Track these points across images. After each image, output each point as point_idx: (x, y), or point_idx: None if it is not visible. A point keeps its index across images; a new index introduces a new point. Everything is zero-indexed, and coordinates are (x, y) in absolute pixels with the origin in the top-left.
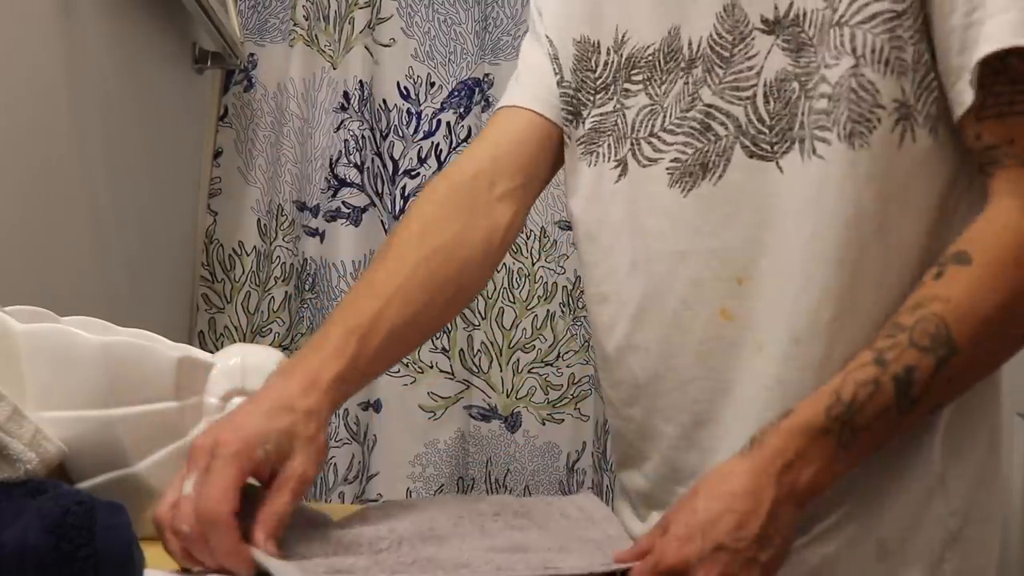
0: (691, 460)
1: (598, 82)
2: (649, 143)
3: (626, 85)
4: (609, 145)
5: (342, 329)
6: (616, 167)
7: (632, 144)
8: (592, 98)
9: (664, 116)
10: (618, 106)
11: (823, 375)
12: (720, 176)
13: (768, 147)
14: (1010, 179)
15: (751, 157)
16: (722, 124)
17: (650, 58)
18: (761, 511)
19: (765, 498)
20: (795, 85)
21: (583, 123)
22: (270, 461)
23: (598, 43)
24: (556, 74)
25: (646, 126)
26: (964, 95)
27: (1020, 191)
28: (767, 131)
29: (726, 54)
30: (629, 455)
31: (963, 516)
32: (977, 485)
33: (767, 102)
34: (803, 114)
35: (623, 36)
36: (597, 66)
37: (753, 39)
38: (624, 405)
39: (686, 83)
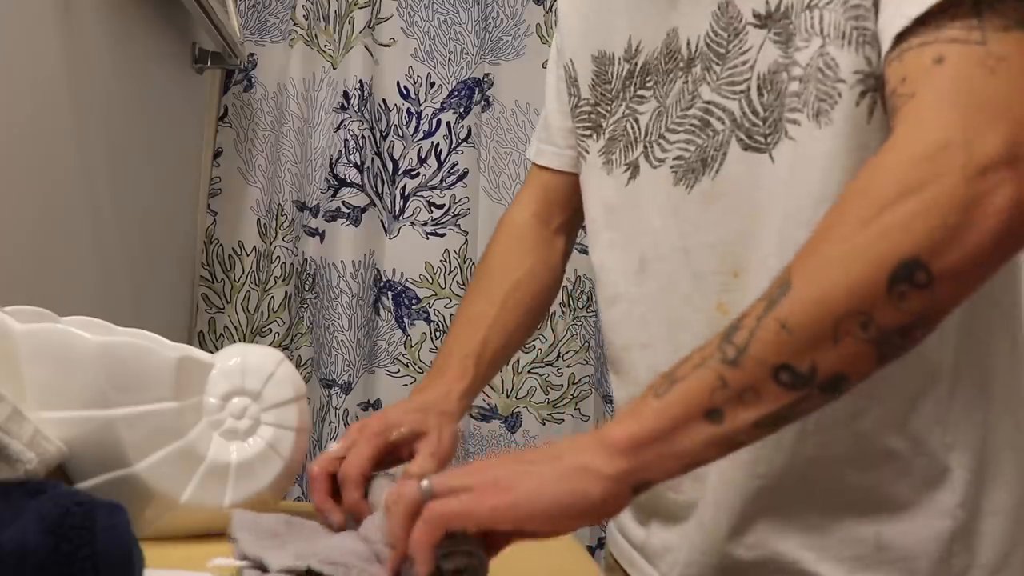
0: None
1: (612, 92)
2: (658, 144)
3: (640, 92)
4: (620, 151)
5: (459, 356)
6: (626, 171)
7: (645, 147)
8: (609, 108)
9: (667, 116)
10: (628, 111)
11: None
12: (717, 171)
13: (762, 139)
14: (897, 121)
15: (746, 150)
16: (719, 119)
17: (656, 62)
18: (555, 446)
19: (575, 441)
20: (784, 75)
21: (603, 134)
22: (404, 442)
23: (612, 55)
24: (573, 96)
25: (656, 128)
26: (885, 47)
27: (896, 133)
28: (760, 123)
29: (722, 51)
30: None
31: (972, 509)
32: (990, 477)
33: (760, 94)
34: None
35: (637, 46)
36: (612, 77)
37: (746, 34)
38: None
39: (685, 82)
